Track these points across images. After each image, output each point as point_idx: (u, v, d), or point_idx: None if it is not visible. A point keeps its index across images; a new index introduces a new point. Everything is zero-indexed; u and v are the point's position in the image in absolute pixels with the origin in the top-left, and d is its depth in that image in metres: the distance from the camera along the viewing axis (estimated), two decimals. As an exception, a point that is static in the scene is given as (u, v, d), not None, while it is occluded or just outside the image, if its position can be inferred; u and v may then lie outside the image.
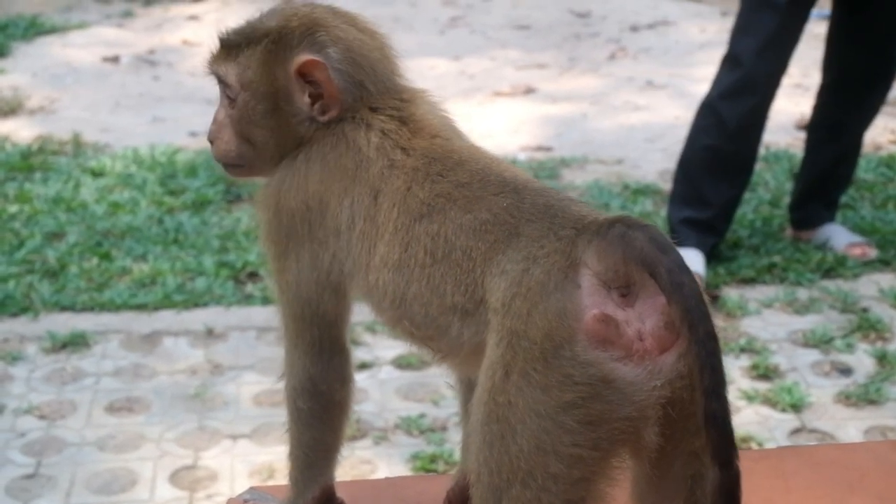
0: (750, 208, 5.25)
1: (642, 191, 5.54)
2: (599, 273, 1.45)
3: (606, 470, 1.48)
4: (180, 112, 6.49)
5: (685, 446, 1.51)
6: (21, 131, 6.39)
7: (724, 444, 1.41)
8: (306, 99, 1.73)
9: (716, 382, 1.41)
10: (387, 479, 1.55)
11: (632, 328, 1.44)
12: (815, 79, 5.10)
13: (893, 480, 1.83)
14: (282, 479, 3.15)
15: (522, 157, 6.01)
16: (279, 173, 1.76)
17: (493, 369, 1.48)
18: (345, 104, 1.73)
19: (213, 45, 1.82)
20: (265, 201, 1.76)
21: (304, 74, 1.72)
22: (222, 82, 1.79)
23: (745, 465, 1.85)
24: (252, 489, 1.83)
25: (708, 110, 4.68)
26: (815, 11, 4.69)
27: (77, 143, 6.16)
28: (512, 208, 1.56)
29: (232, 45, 1.78)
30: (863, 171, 5.61)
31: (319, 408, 1.77)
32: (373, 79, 1.75)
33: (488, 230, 1.56)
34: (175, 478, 3.61)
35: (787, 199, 5.20)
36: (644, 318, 1.44)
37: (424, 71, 7.41)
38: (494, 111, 6.71)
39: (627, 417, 1.43)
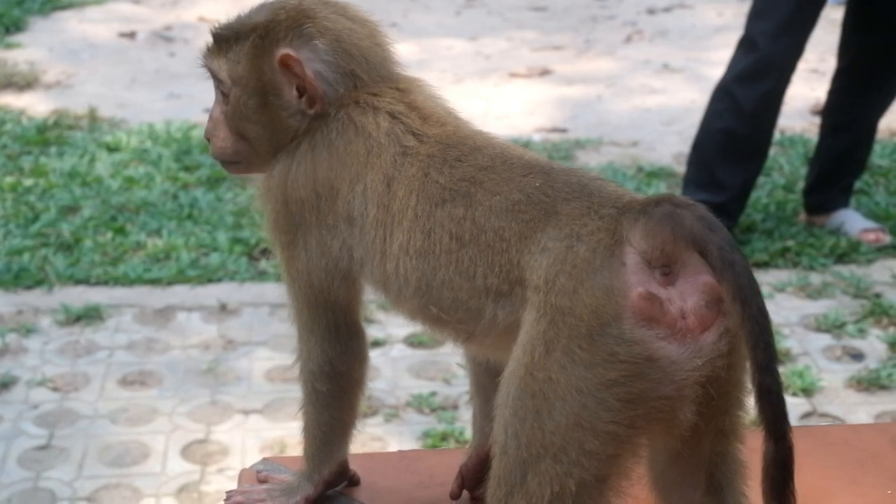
0: (764, 192, 5.25)
1: (656, 173, 5.54)
2: (644, 252, 1.45)
3: (637, 447, 1.48)
4: (196, 88, 6.49)
5: (715, 424, 1.53)
6: (37, 105, 6.41)
7: (778, 418, 1.44)
8: (294, 92, 1.72)
9: (769, 358, 1.42)
10: (399, 451, 1.56)
11: (675, 306, 1.44)
12: (830, 64, 5.09)
13: (905, 461, 1.83)
14: (293, 452, 3.17)
15: (537, 138, 6.01)
16: (282, 163, 1.73)
17: (533, 345, 1.47)
18: (330, 96, 1.71)
19: (206, 39, 1.80)
20: (271, 191, 1.74)
21: (286, 67, 1.70)
22: (215, 78, 1.77)
23: (756, 445, 1.85)
24: (265, 460, 1.84)
25: (723, 94, 4.67)
26: (832, -4, 4.67)
27: (93, 118, 6.18)
28: (545, 187, 1.55)
29: (223, 40, 1.76)
30: (877, 157, 5.60)
31: (339, 389, 1.77)
32: (365, 67, 1.73)
33: (521, 210, 1.55)
34: (187, 451, 3.62)
35: (801, 184, 5.19)
36: (686, 296, 1.44)
37: (440, 51, 7.41)
38: (510, 92, 6.71)
39: (667, 396, 1.44)
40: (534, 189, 1.56)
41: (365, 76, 1.72)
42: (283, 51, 1.68)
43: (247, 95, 1.74)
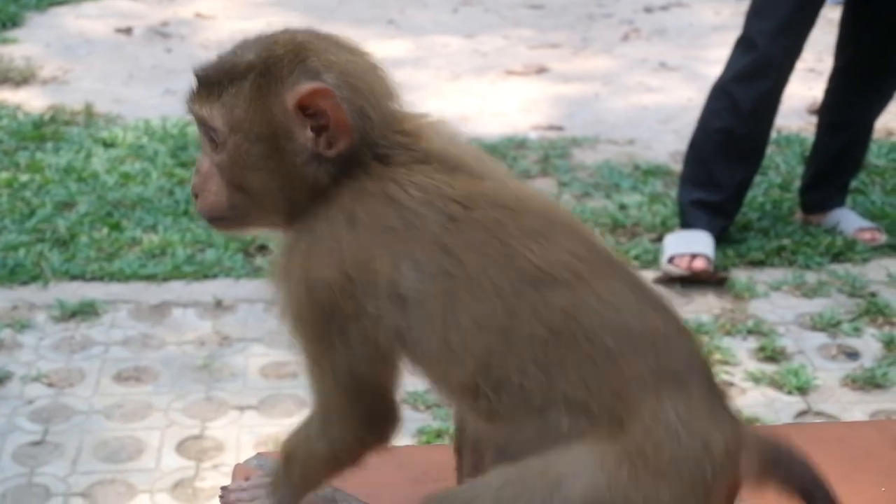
0: (760, 191, 5.25)
1: (653, 171, 5.54)
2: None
3: None
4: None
5: None
6: (33, 101, 6.41)
7: None
8: (309, 133, 1.51)
9: None
10: (393, 447, 1.55)
11: None
12: (827, 63, 5.09)
13: (900, 459, 1.83)
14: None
15: (534, 135, 6.00)
16: (298, 240, 1.53)
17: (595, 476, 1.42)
18: (354, 134, 1.52)
19: (191, 83, 1.58)
20: (289, 274, 1.53)
21: (305, 107, 1.50)
22: (206, 126, 1.55)
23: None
24: (259, 455, 1.83)
25: (721, 92, 4.67)
26: (830, -5, 4.67)
27: (89, 114, 6.18)
28: (668, 349, 1.47)
29: (213, 83, 1.54)
30: (874, 157, 5.60)
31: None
32: (372, 103, 1.53)
33: (643, 351, 1.44)
34: (182, 447, 3.62)
35: (797, 183, 5.19)
36: None
37: (437, 48, 7.41)
38: (506, 90, 6.71)
39: None
40: (657, 332, 1.47)
41: (373, 113, 1.53)
42: (308, 85, 1.48)
43: (249, 142, 1.52)
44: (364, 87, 1.53)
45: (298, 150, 1.51)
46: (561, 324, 1.43)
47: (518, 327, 1.44)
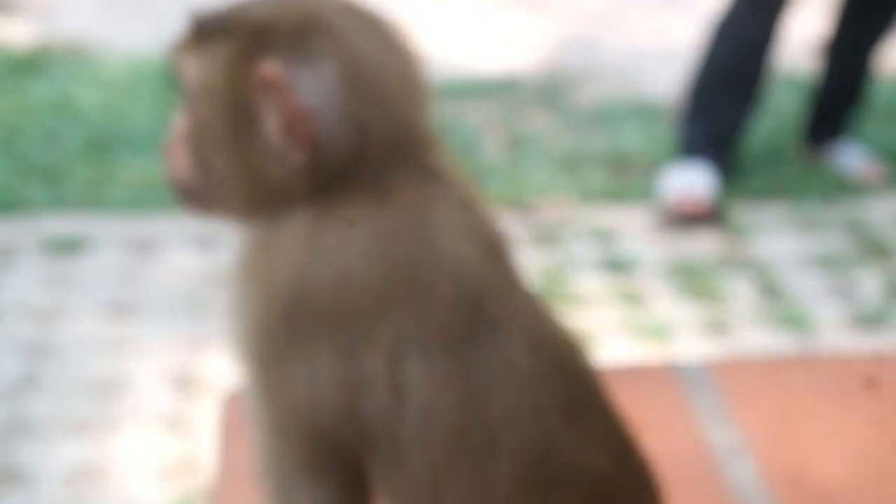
0: (761, 127, 5.17)
1: (652, 108, 5.46)
2: None
3: None
4: (183, 19, 6.38)
5: None
6: (20, 33, 6.31)
7: None
8: (276, 124, 1.19)
9: None
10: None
11: None
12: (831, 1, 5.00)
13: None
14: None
15: (532, 72, 5.91)
16: (292, 246, 1.20)
17: None
18: (329, 151, 1.18)
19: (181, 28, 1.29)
20: (270, 282, 1.20)
21: (270, 87, 1.18)
22: (181, 79, 1.26)
23: (749, 372, 1.81)
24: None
25: (720, 27, 4.59)
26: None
27: (76, 47, 6.08)
28: None
29: (203, 33, 1.24)
30: (878, 94, 5.52)
31: None
32: (381, 118, 1.19)
33: None
34: (170, 383, 3.58)
35: (799, 119, 5.12)
36: None
37: (433, -18, 7.30)
38: (504, 23, 6.60)
39: None
40: None
41: (378, 133, 1.20)
42: (270, 65, 1.18)
43: (214, 112, 1.22)
44: (376, 93, 1.20)
45: (262, 139, 1.20)
46: None
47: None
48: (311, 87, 1.17)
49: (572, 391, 1.21)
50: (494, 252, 1.22)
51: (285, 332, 1.17)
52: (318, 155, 1.17)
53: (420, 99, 1.23)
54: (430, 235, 1.17)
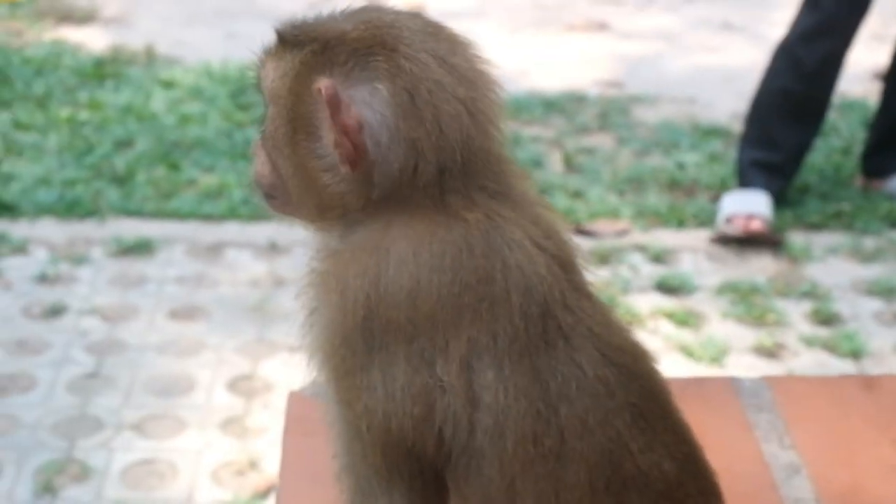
0: (821, 155, 5.19)
1: (713, 131, 5.49)
2: None
3: None
4: (254, 28, 6.47)
5: None
6: (95, 40, 6.44)
7: None
8: (332, 138, 1.25)
9: None
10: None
11: None
12: (893, 30, 5.01)
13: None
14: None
15: (593, 91, 5.96)
16: (367, 255, 1.25)
17: None
18: (382, 169, 1.24)
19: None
20: (346, 291, 1.25)
21: (328, 102, 1.23)
22: (261, 86, 1.35)
23: (805, 389, 1.85)
24: (314, 383, 1.83)
25: (784, 52, 4.62)
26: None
27: (150, 55, 6.20)
28: None
29: (284, 42, 1.31)
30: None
31: None
32: (436, 139, 1.24)
33: None
34: (232, 385, 3.65)
35: (858, 148, 5.13)
36: None
37: (497, 1, 7.36)
38: (567, 45, 6.66)
39: None
40: None
41: (433, 155, 1.24)
42: (327, 80, 1.24)
43: (281, 119, 1.30)
44: (429, 113, 1.23)
45: (319, 152, 1.27)
46: None
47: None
48: (366, 105, 1.23)
49: (641, 398, 1.28)
50: (564, 264, 1.29)
51: (361, 340, 1.24)
52: (371, 170, 1.24)
53: (487, 120, 1.28)
54: (498, 249, 1.24)
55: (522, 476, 1.24)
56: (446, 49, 1.27)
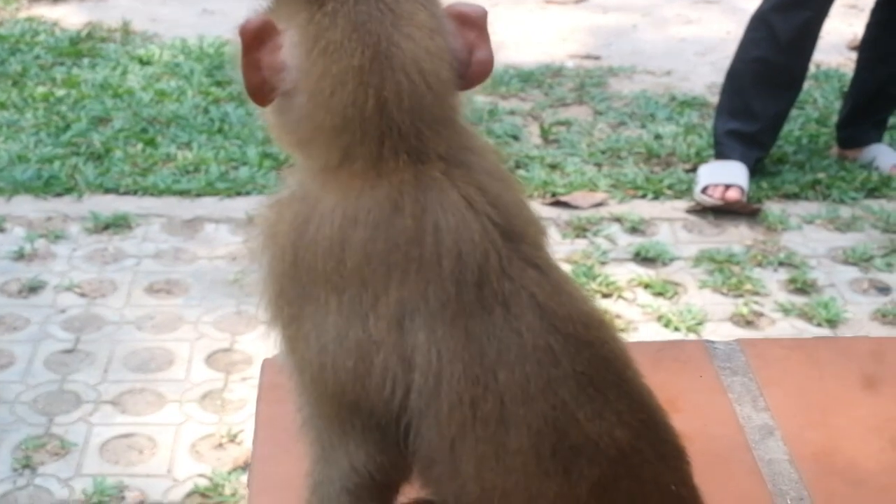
0: (797, 125, 5.20)
1: (689, 103, 5.50)
2: None
3: None
4: (229, 5, 6.45)
5: None
6: (71, 17, 6.40)
7: None
8: (244, 72, 1.31)
9: None
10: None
11: None
12: (869, 0, 5.02)
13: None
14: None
15: (570, 64, 5.96)
16: (297, 205, 1.27)
17: None
18: (303, 115, 1.28)
19: None
20: (276, 240, 1.28)
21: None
22: None
23: (779, 352, 1.86)
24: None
25: (760, 22, 4.62)
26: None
27: (126, 31, 6.17)
28: None
29: None
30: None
31: (393, 489, 1.38)
32: (380, 108, 1.24)
33: None
34: (211, 359, 3.65)
35: (834, 118, 5.14)
36: None
37: (475, -25, 7.33)
38: (545, 18, 6.65)
39: None
40: None
41: (373, 114, 1.24)
42: (253, 20, 1.30)
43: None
44: (378, 74, 1.24)
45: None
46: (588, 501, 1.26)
47: (544, 493, 1.25)
48: (292, 48, 1.27)
49: (591, 367, 1.27)
50: (508, 232, 1.27)
51: (292, 289, 1.26)
52: (288, 109, 1.27)
53: (442, 87, 1.27)
54: (430, 211, 1.24)
55: (461, 438, 1.25)
56: (406, 10, 1.27)
